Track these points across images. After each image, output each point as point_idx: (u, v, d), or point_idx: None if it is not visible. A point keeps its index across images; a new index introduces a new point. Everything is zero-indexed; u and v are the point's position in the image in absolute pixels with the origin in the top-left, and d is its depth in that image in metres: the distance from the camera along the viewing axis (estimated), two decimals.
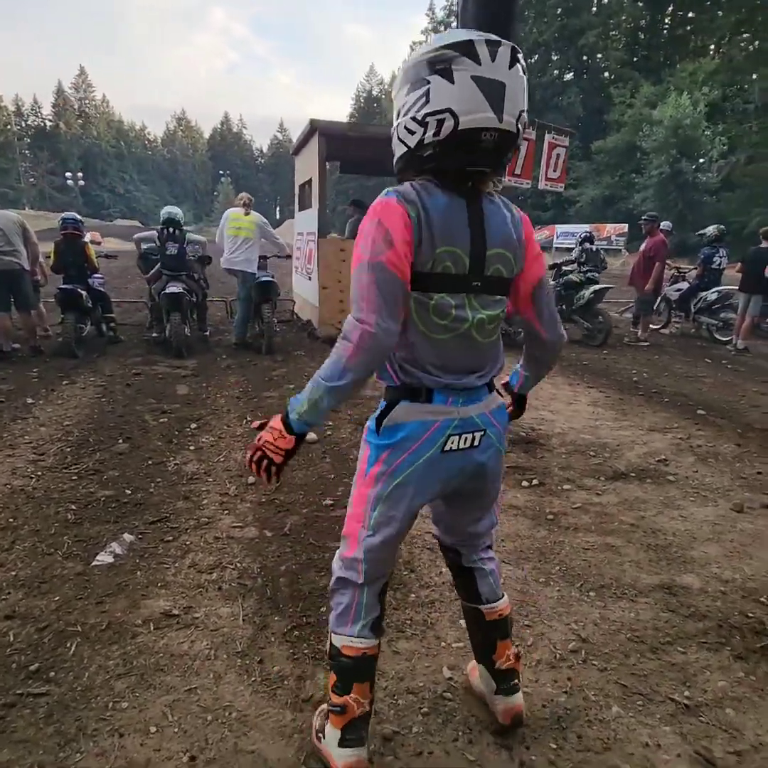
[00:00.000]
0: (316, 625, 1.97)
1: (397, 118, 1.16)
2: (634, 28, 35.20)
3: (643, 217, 8.08)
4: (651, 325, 8.33)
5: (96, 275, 6.19)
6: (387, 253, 1.08)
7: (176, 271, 6.12)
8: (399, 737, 1.53)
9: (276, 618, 2.00)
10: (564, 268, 7.94)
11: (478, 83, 1.04)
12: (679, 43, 33.71)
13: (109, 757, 1.45)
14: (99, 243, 9.24)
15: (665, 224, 8.91)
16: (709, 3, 32.08)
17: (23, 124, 68.11)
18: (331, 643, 1.37)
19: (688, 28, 33.63)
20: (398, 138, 1.16)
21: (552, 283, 6.54)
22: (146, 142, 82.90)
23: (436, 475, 1.26)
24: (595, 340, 7.36)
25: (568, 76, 39.43)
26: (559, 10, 36.69)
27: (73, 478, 3.05)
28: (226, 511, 2.76)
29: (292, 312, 8.64)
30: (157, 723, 1.56)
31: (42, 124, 68.80)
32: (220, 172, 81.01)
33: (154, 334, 6.55)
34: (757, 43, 28.23)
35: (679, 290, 8.59)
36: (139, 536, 2.50)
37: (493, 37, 1.06)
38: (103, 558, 2.32)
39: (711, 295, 8.18)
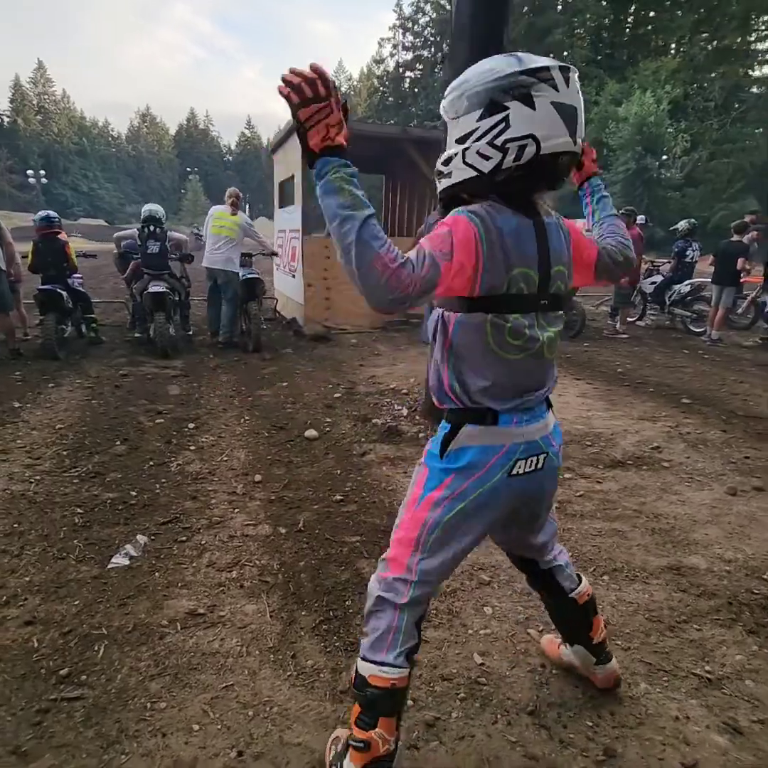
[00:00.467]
0: (343, 619, 1.99)
1: (464, 143, 1.13)
2: (598, 26, 35.84)
3: (620, 212, 8.27)
4: (627, 318, 8.54)
5: (75, 275, 6.04)
6: (444, 264, 1.06)
7: (158, 270, 6.02)
8: (440, 723, 1.56)
9: (303, 613, 2.01)
10: None
11: (557, 109, 1.06)
12: (641, 42, 34.47)
13: (155, 757, 1.44)
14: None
15: (640, 218, 9.14)
16: (669, 3, 32.82)
17: None
18: (357, 672, 1.30)
19: (650, 27, 34.41)
20: (465, 162, 1.14)
21: None
22: (110, 138, 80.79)
23: (500, 499, 1.25)
24: (571, 332, 7.49)
25: None
26: (526, 9, 37.13)
27: (75, 481, 2.99)
28: (236, 510, 2.74)
29: (274, 310, 8.58)
30: (199, 721, 1.55)
31: None
32: (188, 169, 79.51)
33: (138, 334, 6.44)
34: (715, 42, 29.06)
35: (653, 283, 8.82)
36: (152, 537, 2.47)
37: (561, 63, 1.08)
38: (119, 560, 2.28)
39: (684, 287, 8.42)
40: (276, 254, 7.45)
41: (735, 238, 7.37)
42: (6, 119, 66.56)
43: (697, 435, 3.90)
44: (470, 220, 1.10)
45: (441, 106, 1.21)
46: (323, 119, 1.02)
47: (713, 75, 28.38)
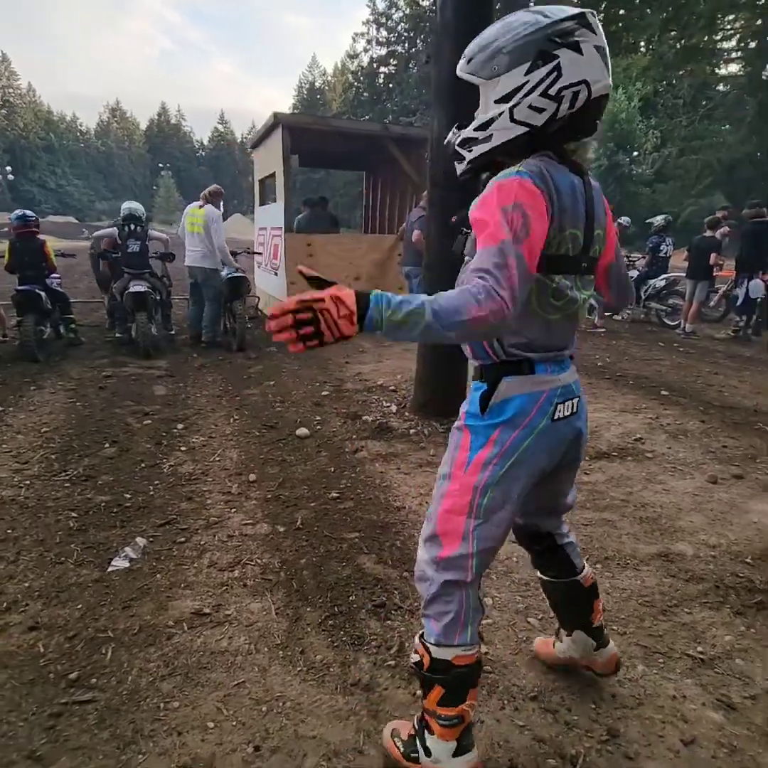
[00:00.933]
0: (348, 614, 2.02)
1: (510, 101, 1.11)
2: None
3: None
4: (605, 312, 8.72)
5: (53, 275, 5.92)
6: (525, 243, 1.04)
7: (139, 270, 5.94)
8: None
9: (308, 609, 2.04)
10: None
11: (599, 52, 1.09)
12: (613, 39, 34.86)
13: (173, 755, 1.46)
14: None
15: (624, 219, 9.31)
16: (638, 1, 33.30)
17: None
18: (432, 658, 1.29)
19: (620, 24, 34.87)
20: (514, 119, 1.12)
21: None
22: (78, 133, 78.80)
23: (547, 446, 1.26)
24: None
25: None
26: (499, 5, 37.35)
27: (66, 485, 2.96)
28: (233, 510, 2.75)
29: (256, 308, 8.51)
30: (213, 718, 1.57)
31: None
32: (160, 165, 78.02)
33: (118, 335, 6.34)
34: (683, 41, 29.62)
35: (630, 278, 9.01)
36: (151, 539, 2.47)
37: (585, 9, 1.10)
38: (119, 563, 2.28)
39: (659, 282, 8.64)
40: (254, 253, 7.36)
41: (708, 233, 7.58)
42: None
43: (677, 426, 4.02)
44: (533, 182, 1.08)
45: (464, 68, 1.18)
46: (335, 317, 0.99)
47: (682, 73, 28.93)
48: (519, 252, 1.04)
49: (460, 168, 1.28)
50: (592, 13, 1.10)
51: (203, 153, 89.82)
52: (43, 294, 5.51)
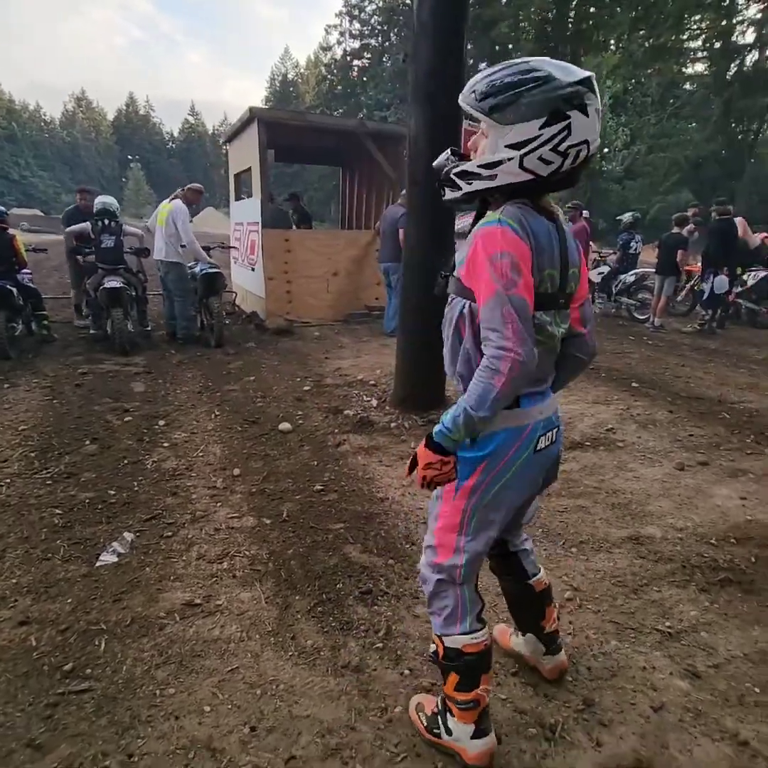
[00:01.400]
0: (336, 600, 2.09)
1: (521, 149, 1.17)
2: (542, 20, 36.51)
3: (567, 205, 8.61)
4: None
5: (24, 271, 5.81)
6: (520, 283, 1.15)
7: (113, 265, 5.86)
8: (436, 688, 1.69)
9: (297, 597, 2.10)
10: None
11: (597, 114, 1.17)
12: (583, 37, 35.36)
13: (171, 738, 1.51)
14: None
15: (584, 212, 9.53)
16: (607, 0, 33.71)
17: None
18: (445, 647, 1.41)
19: (591, 22, 35.31)
20: (522, 167, 1.18)
21: None
22: (42, 123, 76.35)
23: (529, 474, 1.36)
24: None
25: (483, 65, 40.45)
26: (473, 0, 37.46)
27: (48, 483, 2.95)
28: (219, 504, 2.79)
29: (233, 304, 8.48)
30: (209, 702, 1.63)
31: None
32: (129, 157, 76.27)
33: (92, 331, 6.26)
34: (651, 40, 30.21)
35: (600, 273, 9.25)
36: (137, 534, 2.49)
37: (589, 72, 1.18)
38: (107, 558, 2.30)
39: (629, 277, 8.89)
40: (228, 248, 7.26)
41: (675, 230, 7.82)
42: None
43: (647, 416, 4.19)
44: (513, 229, 1.17)
45: (472, 104, 1.21)
46: (439, 471, 1.25)
47: (650, 71, 29.50)
48: (514, 295, 1.14)
49: (450, 195, 1.32)
50: (594, 77, 1.19)
51: (173, 145, 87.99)
52: (14, 290, 5.41)
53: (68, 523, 2.58)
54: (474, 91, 1.21)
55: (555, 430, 1.40)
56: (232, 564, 2.30)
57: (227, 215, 9.29)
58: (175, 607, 2.03)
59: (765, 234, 10.34)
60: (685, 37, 27.66)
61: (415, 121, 3.74)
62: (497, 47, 39.07)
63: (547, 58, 1.19)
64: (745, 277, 8.40)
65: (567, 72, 1.16)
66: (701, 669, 1.80)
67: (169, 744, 1.49)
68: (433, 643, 1.48)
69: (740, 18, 25.72)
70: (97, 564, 2.27)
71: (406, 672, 1.76)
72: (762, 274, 8.40)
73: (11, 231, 5.63)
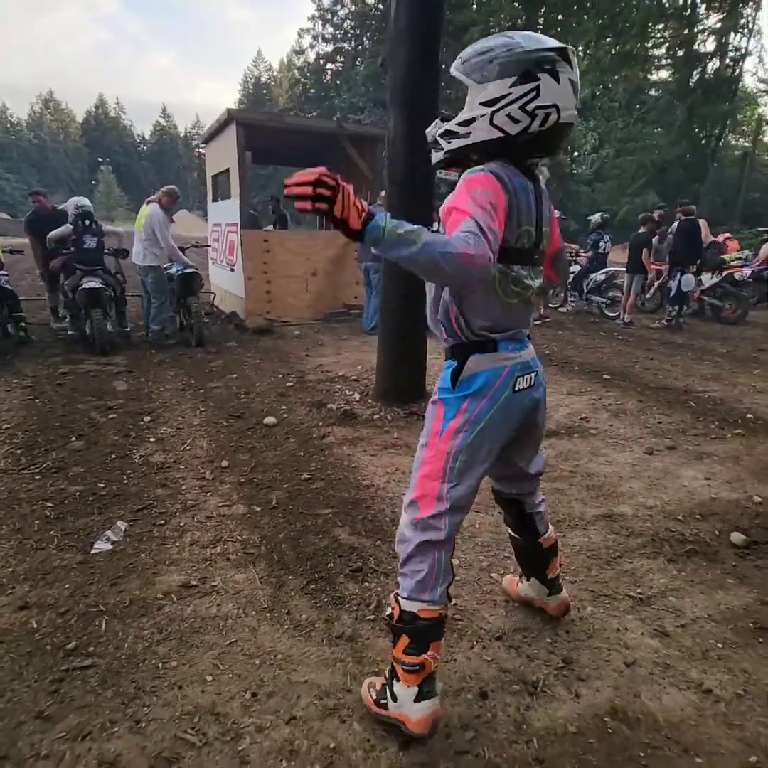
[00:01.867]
0: (328, 579, 2.18)
1: (492, 106, 1.26)
2: (512, 27, 37.12)
3: None
4: (549, 304, 9.24)
5: (1, 272, 5.75)
6: (494, 217, 1.20)
7: (93, 266, 5.84)
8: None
9: (290, 577, 2.19)
10: None
11: (572, 85, 1.27)
12: None
13: (176, 705, 1.59)
14: None
15: (556, 213, 9.79)
16: (576, 8, 34.48)
17: None
18: (401, 610, 1.45)
19: (559, 29, 36.06)
20: (493, 123, 1.27)
21: None
22: (8, 125, 74.49)
23: (510, 413, 1.45)
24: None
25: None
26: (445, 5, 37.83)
27: (36, 477, 2.97)
28: (208, 493, 2.85)
29: (211, 304, 8.48)
30: (211, 673, 1.71)
31: None
32: (99, 159, 74.92)
33: (71, 332, 6.23)
34: (617, 47, 31.01)
35: (572, 272, 9.51)
36: (130, 523, 2.55)
37: (570, 46, 1.28)
38: (101, 546, 2.35)
39: (599, 276, 9.17)
40: (200, 246, 7.26)
41: (641, 229, 8.11)
42: None
43: (618, 405, 4.37)
44: (496, 178, 1.26)
45: (459, 68, 1.33)
46: (350, 203, 1.12)
47: (617, 77, 30.27)
48: (487, 221, 1.19)
49: (436, 157, 1.45)
50: (572, 51, 1.29)
51: (145, 147, 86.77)
52: None
53: (60, 514, 2.61)
54: (460, 58, 1.35)
55: (533, 374, 1.51)
56: (225, 548, 2.37)
57: (201, 217, 9.30)
58: (172, 589, 2.09)
59: (727, 235, 10.79)
60: (649, 44, 28.50)
61: (394, 124, 3.85)
62: None
63: (529, 32, 1.31)
64: (702, 277, 8.71)
65: (541, 41, 1.27)
66: (670, 629, 1.94)
67: (175, 711, 1.57)
68: (389, 605, 1.53)
69: (701, 27, 26.59)
70: (92, 551, 2.32)
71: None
72: (724, 272, 8.75)
73: None
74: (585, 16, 33.40)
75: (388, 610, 1.54)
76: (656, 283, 9.37)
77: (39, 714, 1.55)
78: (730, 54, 25.99)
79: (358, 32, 42.06)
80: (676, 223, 8.14)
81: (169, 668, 1.72)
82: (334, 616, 1.97)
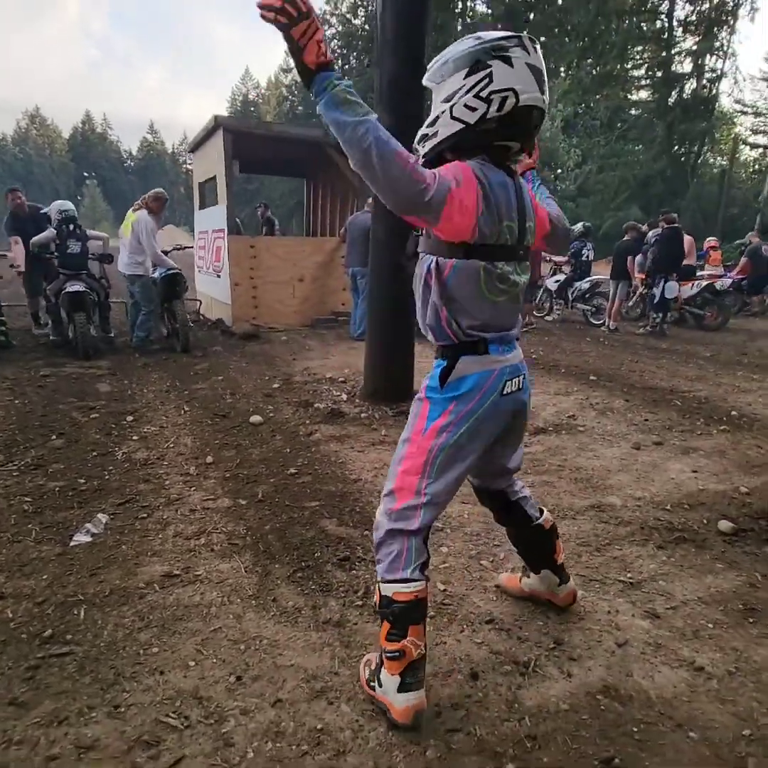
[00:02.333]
0: (315, 567, 2.14)
1: (450, 101, 1.30)
2: None
3: None
4: (535, 312, 9.36)
5: None
6: (454, 187, 1.25)
7: (77, 270, 5.77)
8: None
9: (276, 566, 2.14)
10: None
11: (530, 69, 1.28)
12: None
13: (157, 690, 1.53)
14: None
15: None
16: (557, 31, 35.38)
17: None
18: (380, 595, 1.44)
19: (542, 51, 36.94)
20: (452, 116, 1.30)
21: None
22: None
23: (496, 416, 1.44)
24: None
25: None
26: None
27: (14, 474, 2.90)
28: (192, 488, 2.80)
29: (198, 313, 8.42)
30: (194, 658, 1.65)
31: None
32: (85, 174, 74.78)
33: (53, 338, 6.13)
34: (598, 68, 31.86)
35: (557, 281, 9.63)
36: (112, 516, 2.48)
37: (529, 35, 1.30)
38: (81, 538, 2.29)
39: (584, 284, 9.28)
40: (181, 249, 7.23)
41: (627, 237, 8.25)
42: None
43: (605, 404, 4.40)
44: (471, 168, 1.29)
45: (426, 78, 1.39)
46: (312, 36, 1.12)
47: (598, 96, 31.05)
48: (449, 183, 1.24)
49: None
50: (531, 38, 1.31)
51: (132, 163, 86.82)
52: None
53: (38, 509, 2.54)
54: (427, 69, 1.40)
55: (521, 377, 1.51)
56: (210, 539, 2.32)
57: (187, 232, 9.29)
58: (154, 579, 2.03)
59: (712, 243, 11.02)
60: (629, 66, 29.33)
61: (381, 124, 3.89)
62: None
63: (489, 32, 1.32)
64: (681, 289, 8.82)
65: (494, 34, 1.30)
66: (660, 611, 1.93)
67: (156, 695, 1.51)
68: (374, 593, 1.51)
69: (678, 49, 27.43)
70: (71, 544, 2.25)
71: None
72: (705, 283, 8.89)
73: None
74: (566, 39, 34.32)
75: (375, 598, 1.52)
76: (638, 292, 9.50)
77: (13, 701, 1.48)
78: (707, 75, 26.83)
79: (345, 51, 42.69)
80: (653, 231, 8.27)
81: (150, 654, 1.66)
82: (321, 602, 1.93)
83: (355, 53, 40.62)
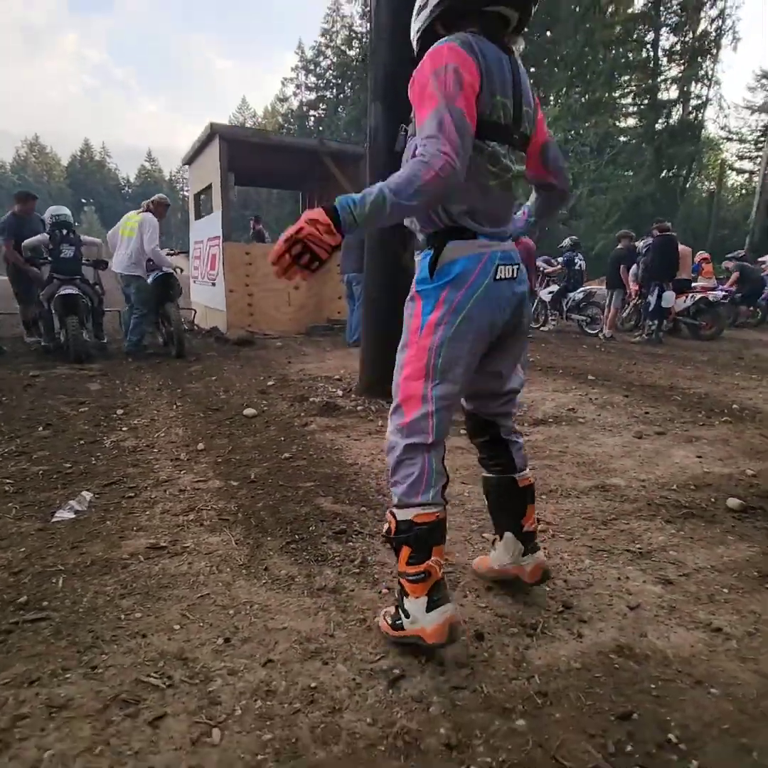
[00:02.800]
0: (309, 539, 2.04)
1: None
2: None
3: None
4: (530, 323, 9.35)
5: None
6: (459, 97, 1.17)
7: (70, 275, 5.72)
8: None
9: (268, 538, 2.04)
10: None
11: None
12: None
13: (139, 652, 1.42)
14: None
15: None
16: (546, 61, 36.46)
17: None
18: (397, 521, 1.37)
19: (532, 80, 38.01)
20: None
21: None
22: None
23: (491, 303, 1.35)
24: None
25: None
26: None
27: None
28: (182, 472, 2.70)
29: (192, 322, 8.37)
30: (179, 622, 1.55)
31: None
32: (82, 200, 75.61)
33: (44, 343, 6.05)
34: (587, 95, 32.75)
35: (550, 292, 9.67)
36: (97, 496, 2.38)
37: None
38: (64, 514, 2.18)
39: (578, 295, 9.32)
40: (176, 253, 7.25)
41: (620, 246, 8.32)
42: None
43: (604, 399, 4.33)
44: (461, 45, 1.23)
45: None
46: (320, 236, 1.13)
47: (587, 123, 31.81)
48: (453, 106, 1.17)
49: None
50: None
51: (130, 190, 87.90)
52: None
53: (20, 489, 2.44)
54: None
55: (515, 267, 1.41)
56: (199, 515, 2.22)
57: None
58: (139, 551, 1.93)
59: (704, 256, 11.14)
60: (617, 94, 30.13)
61: (375, 117, 3.91)
62: None
63: None
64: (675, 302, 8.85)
65: None
66: (673, 577, 1.83)
67: (137, 657, 1.40)
68: (387, 521, 1.42)
69: (664, 77, 28.22)
70: (53, 520, 2.15)
71: (384, 591, 1.72)
72: (698, 296, 8.93)
73: None
74: (555, 68, 35.32)
75: (386, 527, 1.43)
76: (632, 302, 9.54)
77: None
78: (693, 101, 27.55)
79: (339, 81, 43.80)
80: (644, 240, 8.33)
81: (132, 619, 1.55)
82: (315, 571, 1.83)
83: (349, 82, 41.65)
